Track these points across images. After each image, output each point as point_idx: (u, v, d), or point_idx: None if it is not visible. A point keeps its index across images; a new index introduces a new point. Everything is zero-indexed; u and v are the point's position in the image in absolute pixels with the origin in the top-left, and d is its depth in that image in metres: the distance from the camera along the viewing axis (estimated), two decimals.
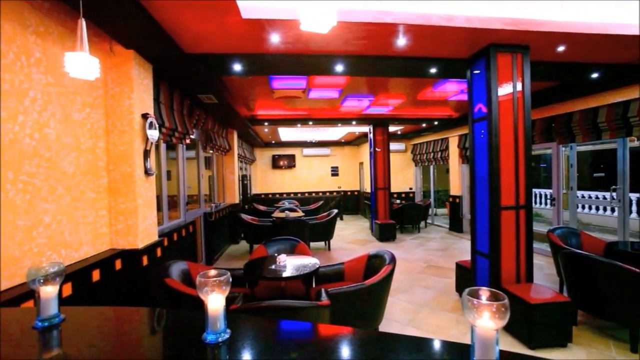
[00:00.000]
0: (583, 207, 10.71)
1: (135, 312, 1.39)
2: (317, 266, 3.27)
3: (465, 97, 6.00)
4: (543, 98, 5.56)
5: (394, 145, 10.69)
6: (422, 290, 4.57)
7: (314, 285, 3.50)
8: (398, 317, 3.73)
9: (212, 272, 0.90)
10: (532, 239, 3.53)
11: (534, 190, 12.33)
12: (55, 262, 1.09)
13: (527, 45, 3.43)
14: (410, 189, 11.83)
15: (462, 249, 6.97)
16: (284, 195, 12.67)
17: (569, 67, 4.11)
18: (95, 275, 2.52)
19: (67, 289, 2.21)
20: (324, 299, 2.43)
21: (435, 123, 8.30)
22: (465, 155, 8.48)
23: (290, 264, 3.33)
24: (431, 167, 10.59)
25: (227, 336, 0.90)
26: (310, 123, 7.79)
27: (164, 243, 3.51)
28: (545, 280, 4.72)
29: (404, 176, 11.81)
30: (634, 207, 9.40)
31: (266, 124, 7.63)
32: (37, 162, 2.09)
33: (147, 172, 3.11)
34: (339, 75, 4.14)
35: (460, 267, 4.35)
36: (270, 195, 12.65)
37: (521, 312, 3.07)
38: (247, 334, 1.02)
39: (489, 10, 2.96)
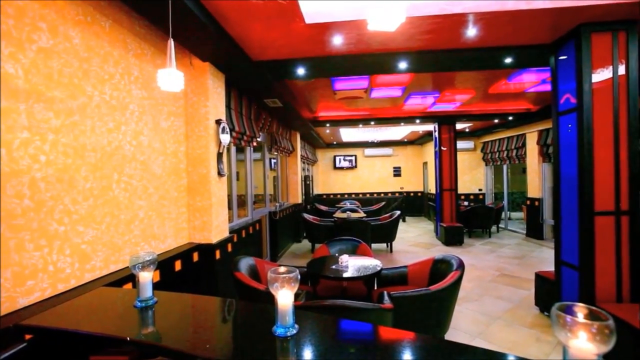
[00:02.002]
0: None
1: (210, 300, 1.53)
2: (379, 268, 3.22)
3: (547, 87, 5.35)
4: None
5: (461, 144, 9.99)
6: (494, 301, 4.19)
7: (375, 288, 3.45)
8: (466, 328, 3.48)
9: (282, 269, 0.95)
10: (639, 251, 2.99)
11: None
12: (150, 252, 1.26)
13: (634, 20, 2.91)
14: (480, 190, 10.93)
15: (542, 258, 6.22)
16: (345, 196, 12.71)
17: None
18: (177, 265, 2.83)
19: (156, 276, 2.52)
20: (387, 302, 2.38)
21: (510, 118, 7.55)
22: (547, 152, 7.55)
23: (352, 265, 3.33)
24: (504, 167, 9.64)
25: (295, 331, 0.94)
26: (372, 123, 7.70)
27: (233, 239, 3.78)
28: None
29: (473, 176, 10.96)
30: None
31: (328, 125, 7.75)
32: (135, 165, 2.43)
33: (219, 173, 3.39)
34: (402, 72, 4.02)
35: (540, 278, 3.89)
36: (331, 196, 12.80)
37: (626, 338, 2.61)
38: (313, 331, 1.04)
39: None
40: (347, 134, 10.33)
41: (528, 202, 8.28)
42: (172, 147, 2.97)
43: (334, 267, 3.29)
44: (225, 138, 3.45)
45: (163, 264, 2.62)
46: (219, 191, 3.40)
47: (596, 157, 2.97)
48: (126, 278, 2.14)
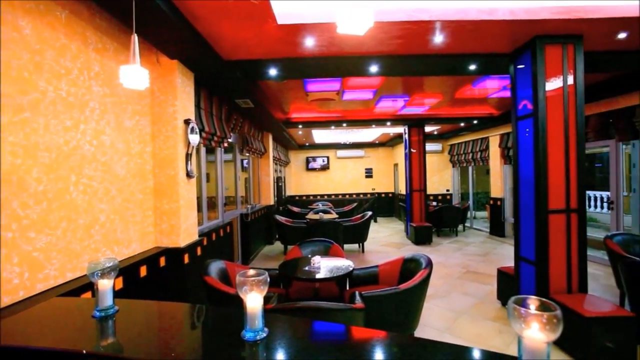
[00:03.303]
0: None
1: (178, 307, 1.47)
2: (351, 268, 3.25)
3: (507, 94, 5.68)
4: (598, 91, 5.11)
5: (430, 146, 10.35)
6: (461, 297, 4.37)
7: (347, 288, 3.48)
8: (435, 324, 3.60)
9: (251, 271, 0.93)
10: (585, 246, 3.24)
11: (587, 192, 11.33)
12: (110, 258, 1.19)
13: (580, 35, 3.17)
14: (448, 190, 11.38)
15: (503, 254, 6.58)
16: (318, 197, 12.75)
17: (632, 56, 3.73)
18: (143, 270, 2.70)
19: (119, 283, 2.39)
20: (358, 302, 2.41)
21: (475, 122, 7.93)
22: (508, 155, 8.01)
23: (324, 266, 3.34)
24: (470, 168, 10.12)
25: (264, 335, 0.93)
26: (344, 125, 7.79)
27: (203, 242, 3.67)
28: (602, 292, 4.33)
29: (441, 178, 11.39)
30: None
31: (300, 126, 7.74)
32: (95, 166, 2.29)
33: (188, 175, 3.28)
34: (374, 76, 4.10)
35: (502, 274, 4.11)
36: (304, 197, 12.80)
37: (574, 327, 2.83)
38: (283, 334, 1.04)
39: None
40: (320, 135, 10.39)
41: (491, 202, 8.73)
42: (137, 147, 2.84)
43: (306, 268, 3.29)
44: (195, 138, 3.35)
45: (127, 270, 2.49)
46: (187, 193, 3.29)
47: (550, 159, 3.19)
48: (85, 287, 2.01)
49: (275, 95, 5.59)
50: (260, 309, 0.91)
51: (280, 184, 9.93)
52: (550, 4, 2.76)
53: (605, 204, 10.31)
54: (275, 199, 9.16)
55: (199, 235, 3.66)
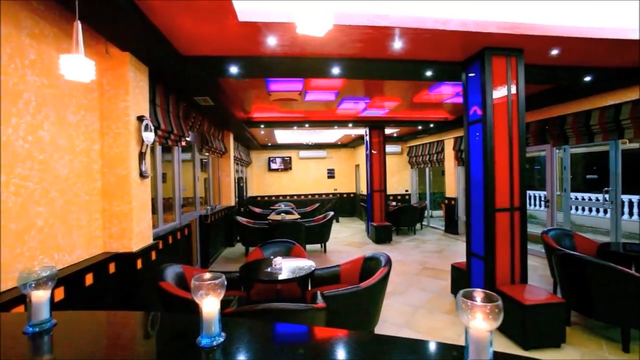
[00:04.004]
0: (577, 209, 10.81)
1: (129, 316, 1.38)
2: (313, 269, 3.27)
3: (460, 99, 6.04)
4: (537, 101, 5.62)
5: (390, 148, 10.72)
6: (418, 292, 4.58)
7: (309, 288, 3.50)
8: (394, 319, 3.73)
9: (207, 275, 0.90)
10: (526, 241, 3.55)
11: (528, 192, 12.44)
12: (48, 266, 1.08)
13: (522, 49, 3.47)
14: (406, 191, 11.87)
15: (457, 251, 7.00)
16: (280, 198, 12.65)
17: (562, 71, 4.16)
18: (89, 279, 2.50)
19: (60, 294, 2.19)
20: (320, 302, 2.43)
21: (431, 125, 8.35)
22: (461, 157, 8.53)
23: (286, 267, 3.32)
24: (427, 170, 10.63)
25: (221, 340, 0.90)
26: (307, 125, 7.81)
27: (158, 246, 3.48)
28: (539, 282, 4.76)
29: (400, 178, 11.85)
30: (626, 209, 9.51)
31: (262, 126, 7.63)
32: (30, 164, 2.07)
33: (142, 175, 3.09)
34: (335, 77, 4.16)
35: (455, 269, 4.37)
36: (266, 198, 12.63)
37: (515, 314, 3.08)
38: (242, 338, 1.01)
39: (483, 14, 2.99)
40: (282, 135, 10.32)
41: (446, 202, 9.24)
42: (82, 144, 2.62)
43: (267, 270, 3.25)
44: (149, 136, 3.16)
45: (69, 279, 2.28)
46: (141, 194, 3.10)
47: (497, 161, 3.45)
48: (17, 299, 1.81)
49: (237, 94, 5.46)
50: (217, 314, 0.88)
51: (241, 185, 9.71)
52: (496, 18, 2.99)
53: (542, 203, 11.37)
54: (237, 199, 8.94)
55: (154, 239, 3.47)
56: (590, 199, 10.61)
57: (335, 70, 3.88)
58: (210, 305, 0.86)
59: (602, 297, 3.10)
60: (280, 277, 3.05)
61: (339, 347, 1.03)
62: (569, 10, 3.03)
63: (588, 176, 15.20)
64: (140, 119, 3.06)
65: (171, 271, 2.97)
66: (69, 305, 2.25)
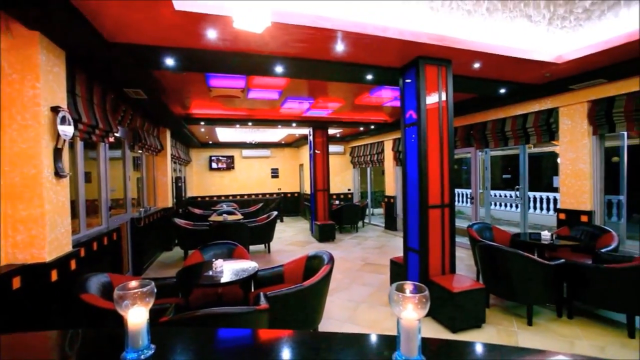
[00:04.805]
0: (496, 205, 12.21)
1: (41, 337, 1.21)
2: (256, 270, 3.20)
3: (398, 103, 6.42)
4: (464, 108, 6.22)
5: (333, 148, 10.97)
6: (360, 288, 4.76)
7: (252, 290, 3.42)
8: (337, 315, 3.83)
9: (134, 283, 0.82)
10: (454, 235, 3.91)
11: (457, 190, 13.73)
12: None
13: (450, 60, 3.80)
14: (349, 190, 12.26)
15: (396, 246, 7.43)
16: (222, 198, 12.18)
17: (483, 82, 4.66)
18: None
19: None
20: (263, 303, 2.39)
21: (372, 127, 8.73)
22: (399, 158, 9.07)
23: (228, 269, 3.21)
24: (368, 169, 11.11)
25: (150, 352, 0.83)
26: (250, 124, 7.62)
27: (80, 254, 3.11)
28: (466, 271, 5.27)
29: (343, 178, 12.20)
30: (532, 204, 11.02)
31: (202, 123, 7.26)
32: None
33: (58, 174, 2.73)
34: (279, 76, 4.13)
35: (394, 263, 4.63)
36: (207, 198, 12.05)
37: (445, 301, 3.38)
38: (174, 348, 0.95)
39: (418, 25, 3.22)
40: (224, 133, 9.94)
41: (386, 200, 9.75)
42: None
43: (208, 273, 3.10)
44: (67, 130, 2.80)
45: None
46: (57, 196, 2.73)
47: (429, 162, 3.73)
48: None
49: (174, 88, 5.11)
50: (146, 325, 0.81)
51: (180, 185, 9.12)
52: (428, 30, 3.24)
53: (468, 199, 12.63)
54: (174, 200, 8.38)
55: (74, 246, 3.08)
56: (505, 196, 12.08)
57: (279, 69, 3.85)
58: (137, 316, 0.79)
59: (513, 280, 3.55)
60: (222, 281, 2.93)
61: (282, 348, 1.02)
62: (489, 29, 3.41)
63: (504, 176, 17.33)
64: (55, 110, 2.69)
65: (96, 281, 2.67)
66: None
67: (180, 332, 1.15)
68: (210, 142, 11.67)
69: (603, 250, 3.84)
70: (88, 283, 2.58)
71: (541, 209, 10.86)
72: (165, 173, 7.38)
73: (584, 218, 4.74)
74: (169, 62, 3.51)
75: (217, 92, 5.20)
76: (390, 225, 9.46)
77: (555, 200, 10.38)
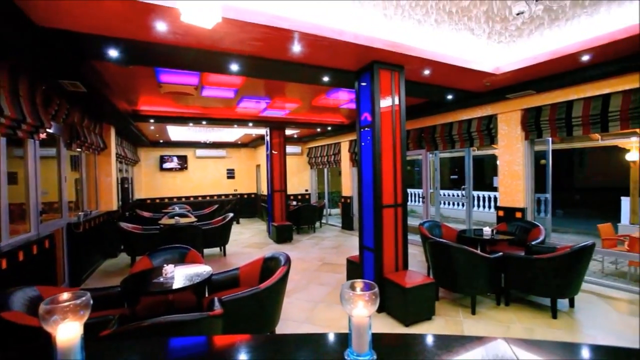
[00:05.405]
0: (445, 203, 13.02)
1: None
2: (210, 274, 3.08)
3: (354, 106, 6.58)
4: (416, 112, 6.55)
5: (290, 148, 10.94)
6: (318, 288, 4.80)
7: (207, 295, 3.29)
8: (295, 316, 3.82)
9: (66, 295, 0.74)
10: (407, 232, 4.10)
11: (409, 190, 14.43)
12: None
13: (403, 66, 3.98)
14: (306, 190, 12.30)
15: (352, 245, 7.59)
16: (175, 200, 11.56)
17: (433, 88, 4.95)
18: None
19: None
20: (217, 308, 2.30)
21: (329, 128, 8.85)
22: (355, 159, 9.30)
23: (180, 275, 3.05)
24: (325, 170, 11.24)
25: None
26: (204, 122, 7.33)
27: (1, 266, 2.75)
28: (418, 267, 5.55)
29: (300, 178, 12.21)
30: (476, 202, 11.93)
31: (152, 120, 6.83)
32: None
33: None
34: (235, 74, 4.02)
35: (350, 262, 4.73)
36: (157, 200, 11.35)
37: (399, 296, 3.53)
38: None
39: (373, 30, 3.32)
40: (176, 132, 9.45)
41: (343, 200, 9.93)
42: None
43: (158, 280, 2.92)
44: None
45: None
46: None
47: (383, 163, 3.87)
48: None
49: (119, 82, 4.74)
50: (79, 341, 0.74)
51: (126, 186, 8.49)
52: (382, 36, 3.37)
53: (420, 199, 13.31)
54: (120, 203, 7.78)
55: None
56: (453, 195, 12.94)
57: (234, 67, 3.75)
58: (68, 331, 0.72)
59: (458, 274, 3.81)
60: (173, 287, 2.78)
61: (237, 354, 0.99)
62: (438, 39, 3.62)
63: (452, 176, 18.58)
64: None
65: (22, 296, 2.38)
66: None
67: (124, 345, 1.07)
68: (161, 141, 11.02)
69: (533, 243, 4.28)
70: (11, 299, 2.29)
71: (484, 206, 11.79)
72: (110, 173, 6.82)
73: (519, 214, 5.23)
74: (112, 53, 3.25)
75: (168, 88, 4.93)
76: (347, 225, 9.66)
77: (495, 198, 11.35)
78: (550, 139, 5.09)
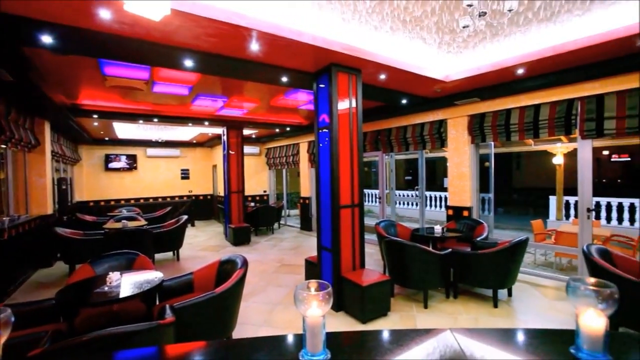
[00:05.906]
0: (400, 203, 13.58)
1: None
2: (161, 280, 2.92)
3: (313, 107, 6.62)
4: (372, 115, 6.76)
5: (248, 149, 10.71)
6: (276, 289, 4.75)
7: (157, 303, 3.10)
8: (253, 320, 3.75)
9: None
10: (364, 232, 4.21)
11: (366, 190, 14.85)
12: None
13: (360, 69, 4.09)
14: (265, 191, 12.14)
15: (311, 246, 7.62)
16: (123, 202, 10.75)
17: (388, 92, 5.15)
18: None
19: None
20: (168, 316, 2.18)
21: (288, 129, 8.81)
22: (314, 160, 9.35)
23: (127, 282, 2.84)
24: (284, 171, 11.17)
25: None
26: (156, 120, 6.92)
27: None
28: (374, 265, 5.72)
29: (258, 179, 12.01)
30: (429, 202, 12.62)
31: (96, 116, 6.29)
32: None
33: None
34: (189, 70, 3.85)
35: (308, 263, 4.75)
36: (102, 203, 10.48)
37: (356, 295, 3.61)
38: None
39: (332, 33, 3.37)
40: (124, 129, 8.80)
41: (301, 201, 9.94)
42: None
43: (101, 289, 2.69)
44: None
45: None
46: None
47: (341, 164, 3.94)
48: None
49: (57, 73, 4.30)
50: None
51: (64, 187, 7.71)
52: (340, 40, 3.43)
53: (376, 199, 13.76)
54: (57, 206, 7.06)
55: None
56: (408, 195, 13.56)
57: (188, 63, 3.59)
58: None
59: (412, 270, 4.00)
60: (120, 296, 2.58)
61: None
62: (393, 45, 3.78)
63: (406, 177, 19.47)
64: None
65: None
66: None
67: None
68: (107, 139, 10.19)
69: (478, 239, 4.63)
70: None
71: (436, 206, 12.50)
72: (43, 173, 6.16)
73: (466, 213, 5.63)
74: (46, 39, 2.94)
75: (114, 81, 4.57)
76: (305, 225, 9.68)
77: (445, 198, 12.09)
78: (492, 143, 5.55)
